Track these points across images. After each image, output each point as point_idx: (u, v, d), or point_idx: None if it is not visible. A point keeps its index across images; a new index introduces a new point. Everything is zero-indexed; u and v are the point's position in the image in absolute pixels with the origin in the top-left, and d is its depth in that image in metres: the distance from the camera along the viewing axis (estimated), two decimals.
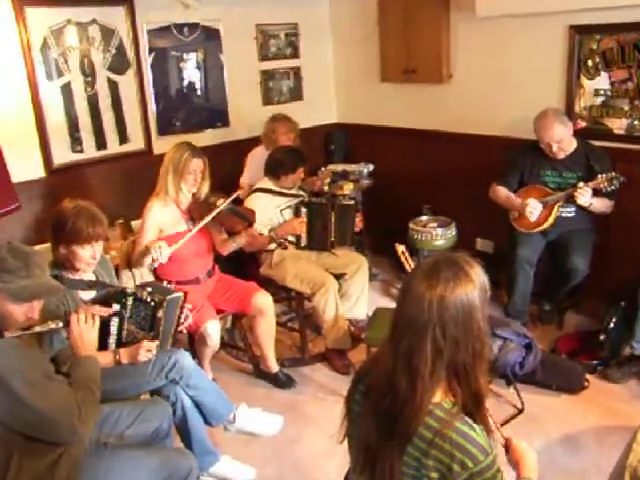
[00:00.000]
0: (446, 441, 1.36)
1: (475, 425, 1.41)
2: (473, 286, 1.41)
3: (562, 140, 3.47)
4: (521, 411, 3.11)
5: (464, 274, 1.42)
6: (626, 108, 3.55)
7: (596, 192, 3.40)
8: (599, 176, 3.37)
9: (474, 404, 1.45)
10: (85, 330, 2.14)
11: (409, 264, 2.45)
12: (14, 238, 3.51)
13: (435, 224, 4.27)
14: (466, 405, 1.44)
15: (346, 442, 1.62)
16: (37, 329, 2.03)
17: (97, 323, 2.21)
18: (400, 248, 2.64)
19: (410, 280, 1.46)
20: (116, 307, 2.37)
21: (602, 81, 3.62)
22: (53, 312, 2.25)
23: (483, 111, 4.23)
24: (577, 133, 3.65)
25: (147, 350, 2.38)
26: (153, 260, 2.96)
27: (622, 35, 3.46)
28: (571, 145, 3.54)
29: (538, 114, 3.54)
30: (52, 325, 2.09)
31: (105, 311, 2.33)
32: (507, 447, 1.65)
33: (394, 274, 4.68)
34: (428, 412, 1.39)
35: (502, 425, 3.00)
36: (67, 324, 2.14)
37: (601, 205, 3.46)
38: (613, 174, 3.35)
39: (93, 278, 2.60)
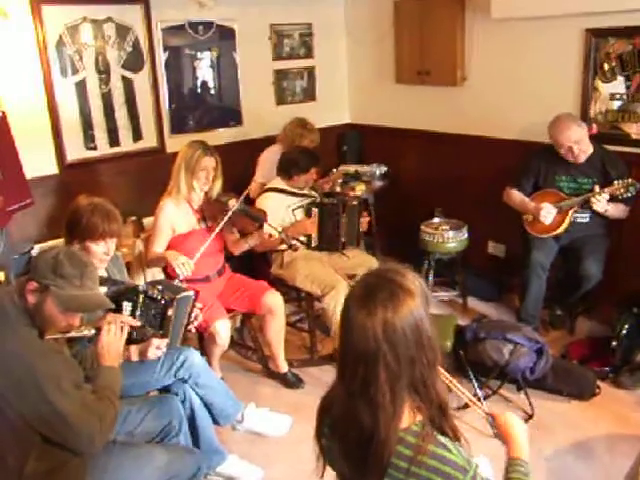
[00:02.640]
0: (422, 468, 1.29)
1: (449, 444, 1.33)
2: (413, 298, 1.32)
3: (581, 140, 3.43)
4: (531, 417, 3.09)
5: (400, 289, 1.32)
6: None
7: (612, 198, 3.36)
8: (615, 182, 3.34)
9: (440, 415, 1.38)
10: (113, 341, 2.16)
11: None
12: (27, 234, 3.56)
13: (447, 227, 4.24)
14: (433, 418, 1.37)
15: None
16: (72, 334, 2.06)
17: (125, 335, 2.22)
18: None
19: (346, 310, 1.35)
20: (127, 305, 2.38)
21: (618, 85, 3.59)
22: None
23: (497, 114, 4.21)
24: (593, 138, 3.62)
25: (156, 348, 2.39)
26: (178, 276, 2.95)
27: (638, 38, 3.43)
28: (589, 148, 3.50)
29: (551, 121, 3.50)
30: (85, 332, 2.12)
31: (134, 322, 2.34)
32: (493, 424, 1.57)
33: None
34: (399, 440, 1.32)
35: None
36: (97, 332, 2.15)
37: (616, 211, 3.43)
38: (630, 180, 3.32)
39: (105, 274, 2.60)
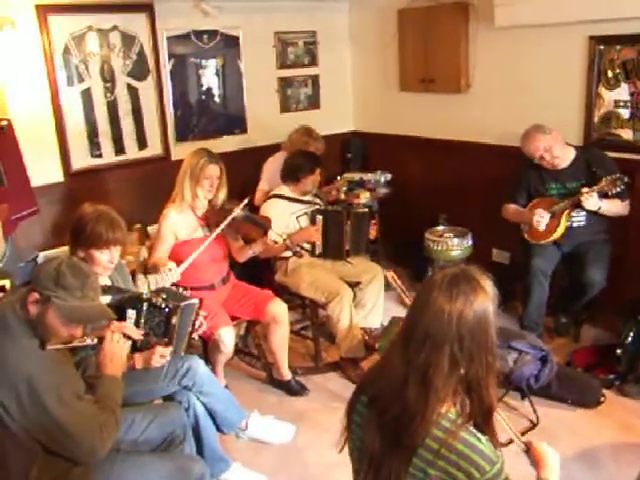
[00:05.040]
0: (452, 452, 1.37)
1: (480, 435, 1.41)
2: (489, 300, 1.43)
3: (551, 148, 3.44)
4: (535, 425, 3.07)
5: (480, 288, 1.43)
6: None
7: (605, 195, 3.35)
8: (603, 179, 3.33)
9: (484, 417, 1.45)
10: (116, 350, 2.15)
11: (402, 288, 2.46)
12: (33, 241, 3.57)
13: (451, 234, 4.24)
14: (475, 417, 1.44)
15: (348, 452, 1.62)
16: (75, 343, 2.05)
17: (128, 345, 2.21)
18: (389, 274, 2.65)
19: (428, 293, 1.45)
20: (131, 313, 2.38)
21: (622, 92, 3.59)
22: None
23: (501, 121, 4.21)
24: (595, 144, 3.64)
25: (161, 356, 2.39)
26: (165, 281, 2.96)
27: None
28: (566, 153, 3.51)
29: (520, 137, 3.54)
30: (88, 341, 2.11)
31: (137, 333, 2.33)
32: (528, 450, 1.65)
33: (410, 283, 4.65)
34: (435, 423, 1.40)
35: None
36: (100, 341, 2.15)
37: (613, 207, 3.41)
38: (617, 175, 3.31)
39: (109, 283, 2.61)
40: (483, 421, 1.45)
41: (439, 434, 1.38)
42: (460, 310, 1.39)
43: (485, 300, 1.42)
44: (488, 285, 1.46)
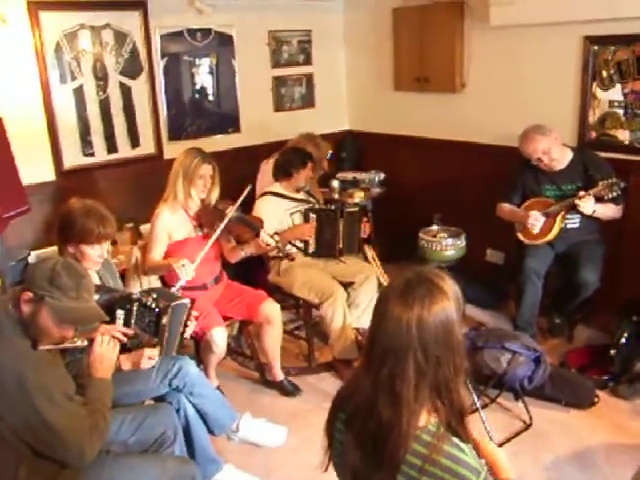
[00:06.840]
0: (437, 467, 1.31)
1: (463, 445, 1.35)
2: (448, 300, 1.36)
3: (549, 150, 3.44)
4: (529, 426, 3.06)
5: (437, 289, 1.36)
6: None
7: (599, 199, 3.35)
8: (599, 183, 3.33)
9: (457, 419, 1.40)
10: (106, 352, 2.14)
11: (380, 269, 2.45)
12: (24, 240, 3.54)
13: (445, 234, 4.22)
14: (449, 422, 1.39)
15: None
16: (65, 345, 2.04)
17: (118, 347, 2.20)
18: (370, 254, 2.65)
19: (383, 304, 1.38)
20: (120, 313, 2.36)
21: (616, 92, 3.58)
22: None
23: (496, 121, 4.20)
24: (590, 144, 3.63)
25: (149, 358, 2.37)
26: (179, 279, 2.92)
27: (638, 46, 3.43)
28: (564, 155, 3.51)
29: (519, 135, 3.53)
30: (78, 343, 2.09)
31: (128, 332, 2.32)
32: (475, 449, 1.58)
33: None
34: (415, 437, 1.33)
35: (510, 440, 2.96)
36: (90, 343, 2.13)
37: (607, 211, 3.41)
38: (613, 180, 3.30)
39: (97, 280, 2.58)
40: (457, 424, 1.39)
41: (421, 450, 1.32)
42: (418, 316, 1.32)
43: (444, 301, 1.35)
44: (447, 284, 1.38)
